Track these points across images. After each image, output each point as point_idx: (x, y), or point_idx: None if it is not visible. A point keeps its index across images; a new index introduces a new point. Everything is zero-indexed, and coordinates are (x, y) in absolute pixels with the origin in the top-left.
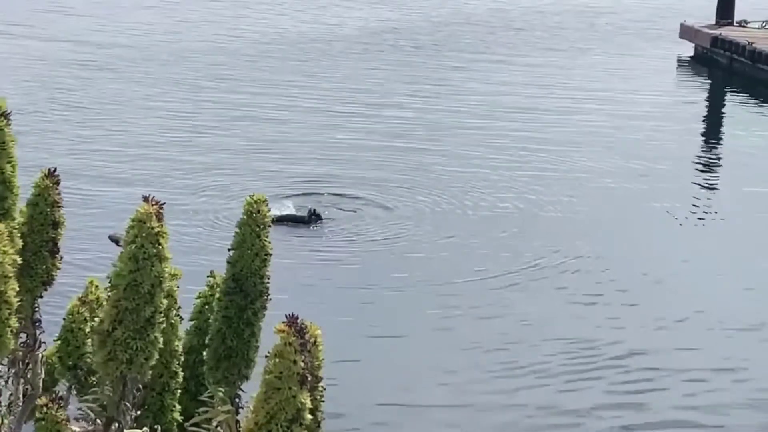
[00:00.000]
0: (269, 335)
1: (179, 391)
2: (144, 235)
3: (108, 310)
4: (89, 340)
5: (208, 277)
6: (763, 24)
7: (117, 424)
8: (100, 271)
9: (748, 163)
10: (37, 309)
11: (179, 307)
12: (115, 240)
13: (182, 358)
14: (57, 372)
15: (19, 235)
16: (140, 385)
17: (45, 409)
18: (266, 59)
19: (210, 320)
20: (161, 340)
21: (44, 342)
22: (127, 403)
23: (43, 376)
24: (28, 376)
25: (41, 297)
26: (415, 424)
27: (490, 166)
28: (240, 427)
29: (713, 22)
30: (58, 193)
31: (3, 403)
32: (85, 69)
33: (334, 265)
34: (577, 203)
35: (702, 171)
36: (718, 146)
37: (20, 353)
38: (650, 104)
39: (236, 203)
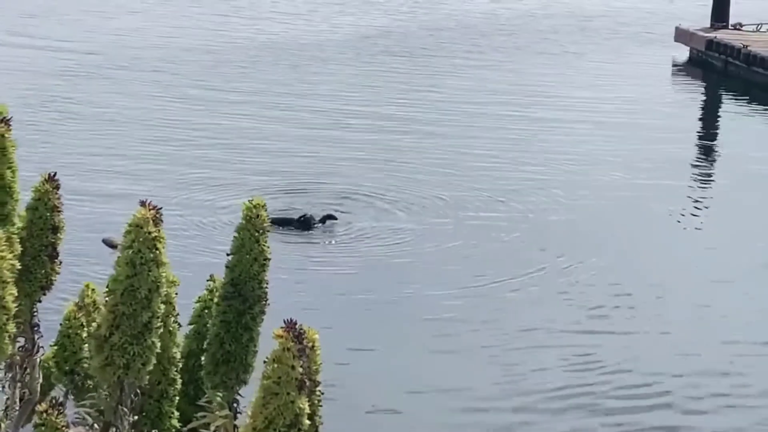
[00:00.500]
0: (267, 340)
1: (177, 397)
2: (141, 239)
3: (105, 315)
4: (86, 344)
5: (207, 280)
6: (758, 27)
7: (114, 429)
8: (95, 276)
9: (743, 166)
10: (35, 313)
11: (177, 314)
12: (109, 243)
13: (180, 364)
14: (54, 377)
15: (18, 239)
16: (138, 391)
17: (45, 414)
18: (259, 64)
19: (209, 324)
20: (159, 345)
21: (42, 347)
22: (125, 408)
23: (40, 380)
24: (26, 380)
25: (40, 301)
26: (413, 430)
27: (485, 171)
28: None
29: (708, 26)
30: (58, 198)
31: (0, 408)
32: (81, 75)
33: (333, 270)
34: (573, 208)
35: (697, 174)
36: (714, 149)
37: (18, 357)
38: (645, 108)
39: (234, 208)
